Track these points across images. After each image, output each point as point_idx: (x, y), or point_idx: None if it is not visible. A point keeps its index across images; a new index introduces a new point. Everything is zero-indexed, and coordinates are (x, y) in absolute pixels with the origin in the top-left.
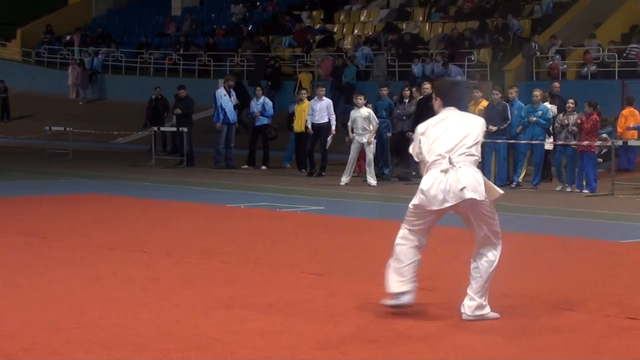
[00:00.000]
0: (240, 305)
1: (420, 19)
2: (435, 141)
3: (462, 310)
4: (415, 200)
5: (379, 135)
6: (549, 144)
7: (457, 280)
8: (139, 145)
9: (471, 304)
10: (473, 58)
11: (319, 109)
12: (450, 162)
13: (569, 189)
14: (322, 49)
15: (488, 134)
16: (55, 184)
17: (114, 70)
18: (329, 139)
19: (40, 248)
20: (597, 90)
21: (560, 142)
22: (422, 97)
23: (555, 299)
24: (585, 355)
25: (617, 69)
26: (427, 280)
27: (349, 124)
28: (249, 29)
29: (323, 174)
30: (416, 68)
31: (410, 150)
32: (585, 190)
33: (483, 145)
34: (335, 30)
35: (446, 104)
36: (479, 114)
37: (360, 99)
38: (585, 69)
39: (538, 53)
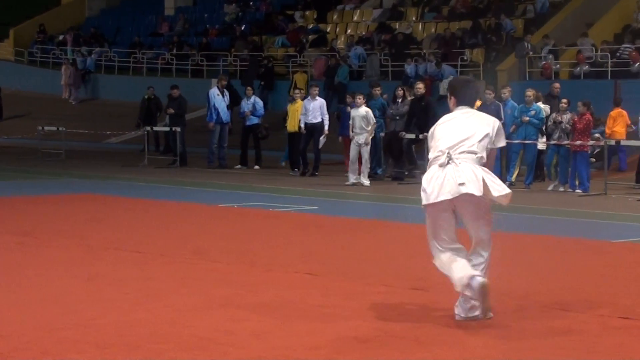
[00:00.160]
0: (234, 305)
1: (413, 18)
2: (439, 140)
3: (456, 312)
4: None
5: None
6: (542, 144)
7: (448, 280)
8: (132, 145)
9: (465, 306)
10: (466, 58)
11: (312, 109)
12: (450, 158)
13: (561, 189)
14: (315, 48)
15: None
16: (48, 184)
17: (107, 70)
18: (322, 138)
19: (34, 248)
20: (589, 90)
21: (553, 142)
22: (414, 97)
23: (548, 298)
24: (578, 355)
25: (609, 69)
26: (420, 280)
27: (350, 122)
28: (242, 28)
29: (316, 173)
30: (409, 68)
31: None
32: (578, 190)
33: None
34: (328, 30)
35: (460, 102)
36: None
37: (360, 99)
38: (578, 68)
39: (531, 53)
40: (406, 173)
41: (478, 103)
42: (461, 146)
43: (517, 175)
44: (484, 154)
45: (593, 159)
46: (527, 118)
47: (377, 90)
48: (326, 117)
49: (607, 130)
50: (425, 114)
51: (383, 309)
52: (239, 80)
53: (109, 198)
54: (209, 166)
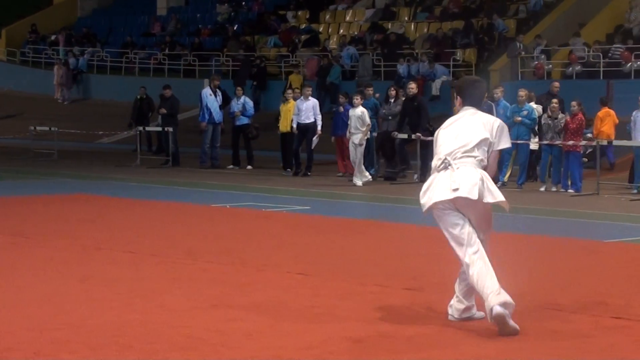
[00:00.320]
0: (226, 305)
1: (406, 18)
2: (441, 146)
3: (450, 312)
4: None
5: None
6: (534, 144)
7: (442, 280)
8: (124, 145)
9: (459, 307)
10: (458, 58)
11: (305, 109)
12: (449, 164)
13: (554, 189)
14: (307, 48)
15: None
16: (41, 184)
17: (99, 70)
18: (315, 139)
19: (26, 248)
20: (582, 90)
21: (545, 142)
22: (407, 96)
23: (540, 298)
24: (570, 354)
25: (602, 69)
26: (413, 280)
27: (349, 122)
28: (235, 28)
29: (309, 173)
30: (401, 68)
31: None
32: (570, 190)
33: None
34: (320, 30)
35: (466, 102)
36: None
37: (357, 99)
38: (570, 69)
39: (523, 53)
40: (399, 173)
41: None
42: (460, 151)
43: (510, 175)
44: (484, 157)
45: (585, 159)
46: (520, 118)
47: (370, 91)
48: (319, 118)
49: (595, 131)
50: (417, 114)
51: (376, 309)
52: (231, 80)
53: (101, 198)
54: (201, 166)
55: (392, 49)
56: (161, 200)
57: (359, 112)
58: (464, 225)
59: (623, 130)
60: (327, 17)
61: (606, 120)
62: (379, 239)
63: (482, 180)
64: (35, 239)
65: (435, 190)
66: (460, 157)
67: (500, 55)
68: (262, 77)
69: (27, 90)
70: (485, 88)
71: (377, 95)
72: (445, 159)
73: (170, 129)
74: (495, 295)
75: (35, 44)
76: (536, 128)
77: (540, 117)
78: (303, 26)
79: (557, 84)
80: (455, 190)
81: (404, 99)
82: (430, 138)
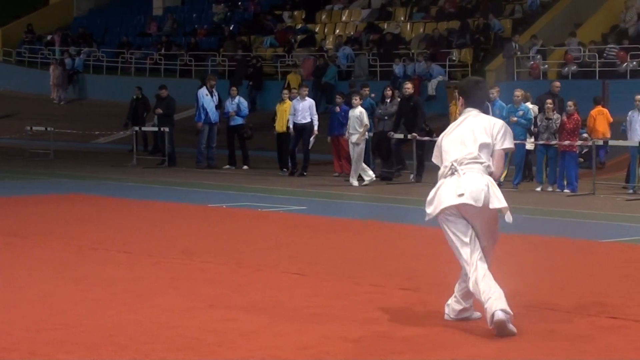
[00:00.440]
0: (223, 305)
1: (402, 18)
2: (446, 152)
3: (446, 311)
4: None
5: None
6: (530, 144)
7: (438, 280)
8: (121, 145)
9: (456, 307)
10: (454, 58)
11: (302, 109)
12: (455, 170)
13: (550, 189)
14: (303, 48)
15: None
16: (37, 184)
17: (95, 70)
18: (312, 139)
19: (22, 248)
20: (577, 90)
21: (541, 142)
22: (402, 96)
23: (536, 298)
24: (566, 355)
25: (597, 69)
26: (408, 280)
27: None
28: (231, 28)
29: (305, 174)
30: (397, 68)
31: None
32: (566, 190)
33: None
34: (316, 30)
35: (468, 104)
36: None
37: (356, 99)
38: (566, 69)
39: (518, 53)
40: (395, 173)
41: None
42: (467, 158)
43: (506, 175)
44: (490, 161)
45: (581, 159)
46: (515, 118)
47: (366, 91)
48: (315, 118)
49: (587, 129)
50: (413, 114)
51: (372, 309)
52: (227, 80)
53: (97, 198)
54: (197, 166)
55: (388, 49)
56: (157, 201)
57: (358, 112)
58: (466, 231)
59: (616, 131)
60: (323, 17)
61: (599, 118)
62: (376, 239)
63: (487, 186)
64: (32, 239)
65: (441, 196)
66: (467, 163)
67: (496, 55)
68: (258, 77)
69: (23, 90)
70: (488, 89)
71: (373, 95)
72: (452, 165)
73: (167, 129)
74: (496, 301)
75: (31, 44)
76: (532, 128)
77: (536, 117)
78: (299, 26)
79: (557, 83)
80: (461, 195)
81: (399, 99)
82: (426, 138)
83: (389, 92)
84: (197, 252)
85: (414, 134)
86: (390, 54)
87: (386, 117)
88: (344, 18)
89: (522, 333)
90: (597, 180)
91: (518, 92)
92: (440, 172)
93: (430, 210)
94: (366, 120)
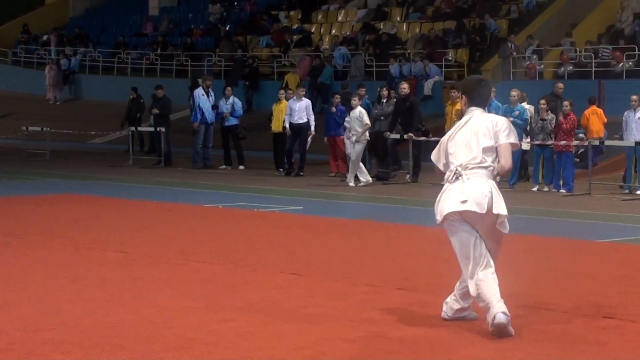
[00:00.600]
0: (219, 305)
1: (398, 19)
2: (451, 155)
3: (444, 309)
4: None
5: None
6: (526, 144)
7: (435, 280)
8: (117, 145)
9: (454, 306)
10: (450, 58)
11: (298, 109)
12: (460, 175)
13: (546, 189)
14: (299, 49)
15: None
16: (33, 184)
17: (91, 70)
18: (309, 139)
19: (18, 248)
20: (574, 90)
21: (537, 142)
22: (399, 97)
23: (532, 298)
24: (562, 354)
25: (593, 69)
26: (406, 280)
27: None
28: (227, 28)
29: (301, 174)
30: (393, 68)
31: (432, 156)
32: (562, 190)
33: None
34: (313, 30)
35: (472, 103)
36: (457, 114)
37: (355, 100)
38: (562, 69)
39: (514, 53)
40: (391, 173)
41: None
42: (471, 162)
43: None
44: (495, 164)
45: (577, 159)
46: (511, 118)
47: (362, 91)
48: (312, 118)
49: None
50: (409, 114)
51: (368, 309)
52: (223, 80)
53: (93, 198)
54: (193, 166)
55: (384, 49)
56: (153, 201)
57: (358, 112)
58: (470, 236)
59: (613, 131)
60: (319, 17)
61: (592, 118)
62: (372, 239)
63: (491, 192)
64: (28, 239)
65: (445, 202)
66: (472, 168)
67: (492, 55)
68: (254, 77)
69: (19, 90)
70: (491, 88)
71: (367, 95)
72: (457, 169)
73: (163, 129)
74: (498, 303)
75: (27, 44)
76: (528, 128)
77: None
78: (295, 26)
79: (561, 85)
80: (464, 202)
81: (394, 99)
82: (422, 138)
83: (385, 92)
84: (194, 252)
85: (410, 134)
86: (386, 54)
87: (382, 117)
88: (340, 18)
89: (519, 333)
90: (593, 181)
91: (514, 93)
92: (445, 176)
93: (437, 216)
94: (367, 120)
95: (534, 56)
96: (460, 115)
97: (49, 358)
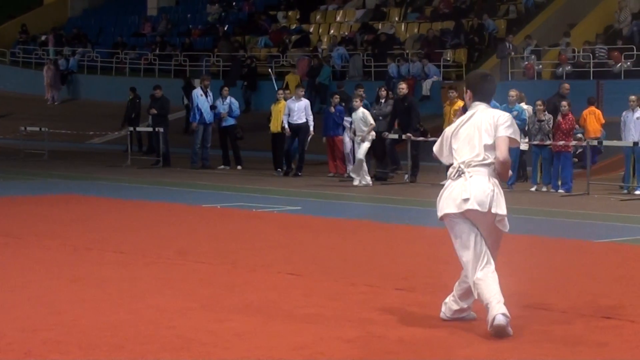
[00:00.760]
0: (217, 305)
1: (396, 19)
2: (455, 151)
3: (443, 309)
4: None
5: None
6: (524, 144)
7: (433, 280)
8: (115, 146)
9: (453, 307)
10: (448, 58)
11: (297, 109)
12: (462, 172)
13: (544, 189)
14: (298, 49)
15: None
16: (31, 184)
17: (90, 71)
18: (308, 139)
19: (17, 249)
20: (572, 91)
21: (535, 142)
22: (397, 97)
23: (531, 298)
24: (561, 355)
25: (591, 69)
26: (404, 280)
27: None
28: (225, 29)
29: (299, 174)
30: (392, 68)
31: (434, 148)
32: (560, 190)
33: None
34: (311, 30)
35: (476, 97)
36: (455, 114)
37: (357, 101)
38: (560, 69)
39: (512, 53)
40: (389, 173)
41: (460, 103)
42: (474, 159)
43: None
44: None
45: (575, 159)
46: None
47: (360, 91)
48: (311, 118)
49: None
50: (408, 114)
51: (366, 309)
52: (222, 80)
53: (92, 199)
54: (192, 166)
55: (382, 50)
56: (152, 201)
57: (361, 113)
58: (470, 234)
59: (611, 131)
60: (318, 17)
61: (589, 118)
62: (370, 239)
63: (493, 191)
64: (26, 239)
65: (447, 199)
66: (475, 166)
67: (490, 55)
68: (253, 77)
69: (17, 90)
70: (496, 83)
71: (364, 95)
72: (459, 167)
73: (161, 130)
74: (498, 304)
75: (25, 44)
76: (526, 129)
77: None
78: (293, 26)
79: (567, 85)
80: (466, 200)
81: (392, 99)
82: (420, 138)
83: (383, 93)
84: (192, 252)
85: (409, 134)
86: (384, 54)
87: (380, 117)
88: (338, 18)
89: (517, 333)
90: (591, 181)
91: (513, 93)
92: (448, 172)
93: (439, 210)
94: (371, 119)
95: (532, 56)
96: (463, 110)
97: (48, 358)
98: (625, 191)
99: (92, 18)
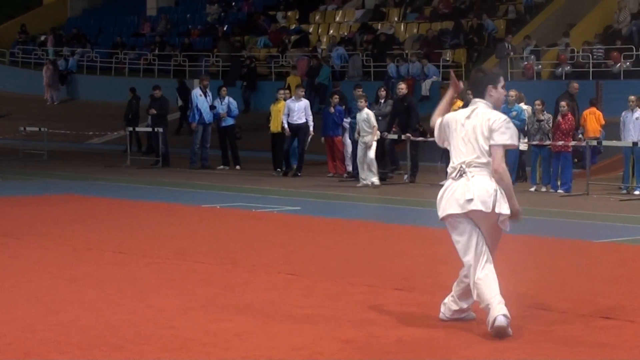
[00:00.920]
0: (217, 305)
1: (396, 19)
2: (455, 148)
3: (442, 310)
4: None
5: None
6: (523, 145)
7: (432, 280)
8: (114, 146)
9: (452, 307)
10: (448, 58)
11: (297, 110)
12: (464, 172)
13: (543, 189)
14: (297, 49)
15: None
16: (31, 184)
17: (89, 71)
18: (308, 140)
19: (16, 249)
20: None
21: (534, 142)
22: (396, 97)
23: (530, 298)
24: (561, 355)
25: (591, 70)
26: (403, 280)
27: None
28: (224, 29)
29: (299, 174)
30: (391, 68)
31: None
32: (560, 190)
33: None
34: (310, 30)
35: (474, 94)
36: None
37: (362, 102)
38: (560, 69)
39: (512, 53)
40: (389, 173)
41: (459, 103)
42: (474, 160)
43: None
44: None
45: (575, 159)
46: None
47: (359, 92)
48: (310, 118)
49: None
50: (407, 115)
51: (366, 310)
52: (221, 80)
53: (91, 199)
54: (191, 167)
55: (381, 50)
56: (151, 201)
57: (365, 114)
58: (472, 234)
59: (610, 131)
60: (317, 17)
61: (589, 118)
62: (370, 240)
63: (496, 190)
64: (25, 239)
65: (450, 199)
66: (476, 166)
67: (489, 55)
68: (252, 77)
69: (16, 90)
70: (486, 77)
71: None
72: (460, 166)
73: (160, 130)
74: (499, 305)
75: (24, 44)
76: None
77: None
78: (293, 26)
79: (576, 84)
80: (470, 200)
81: (391, 99)
82: (420, 138)
83: (383, 93)
84: (191, 252)
85: (408, 135)
86: (384, 54)
87: (380, 118)
88: (337, 18)
89: (516, 333)
90: (590, 181)
91: (512, 93)
92: (449, 171)
93: (440, 210)
94: (374, 121)
95: (532, 56)
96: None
97: (47, 358)
98: (625, 191)
99: (92, 18)
